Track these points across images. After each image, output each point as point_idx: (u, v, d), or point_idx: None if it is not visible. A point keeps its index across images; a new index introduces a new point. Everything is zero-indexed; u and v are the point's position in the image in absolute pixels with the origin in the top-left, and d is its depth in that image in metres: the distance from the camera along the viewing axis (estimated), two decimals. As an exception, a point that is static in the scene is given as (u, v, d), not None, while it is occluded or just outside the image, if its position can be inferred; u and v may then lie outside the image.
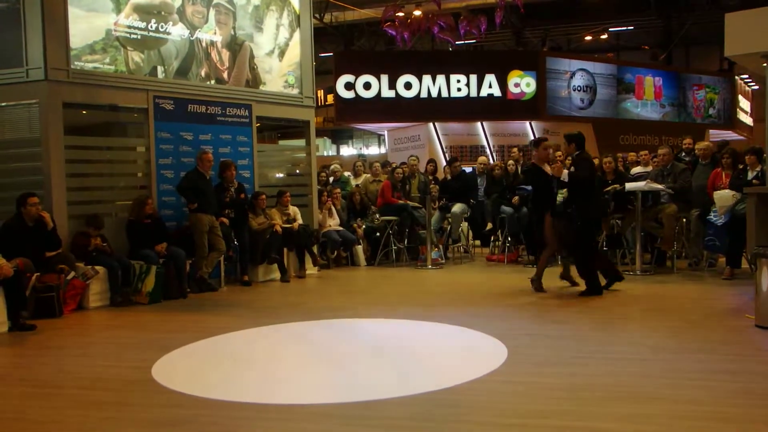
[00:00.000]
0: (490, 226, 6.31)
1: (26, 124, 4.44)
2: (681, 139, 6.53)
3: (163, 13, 4.93)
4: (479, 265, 6.08)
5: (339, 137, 20.52)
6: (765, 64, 4.60)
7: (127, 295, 4.28)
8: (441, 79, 9.32)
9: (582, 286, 4.21)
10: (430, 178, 6.65)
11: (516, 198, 5.87)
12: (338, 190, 6.26)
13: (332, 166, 7.09)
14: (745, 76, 12.51)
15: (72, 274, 4.01)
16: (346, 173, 7.10)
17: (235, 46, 5.48)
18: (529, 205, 5.74)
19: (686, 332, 3.14)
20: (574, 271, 4.35)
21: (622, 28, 15.37)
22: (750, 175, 4.67)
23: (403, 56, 10.32)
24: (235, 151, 5.46)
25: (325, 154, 18.92)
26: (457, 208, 6.12)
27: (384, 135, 11.86)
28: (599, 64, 10.34)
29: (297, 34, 5.96)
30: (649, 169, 5.63)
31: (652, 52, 15.69)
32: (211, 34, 5.30)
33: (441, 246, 6.18)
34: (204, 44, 5.24)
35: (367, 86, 9.26)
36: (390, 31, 8.72)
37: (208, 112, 5.26)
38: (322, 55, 12.90)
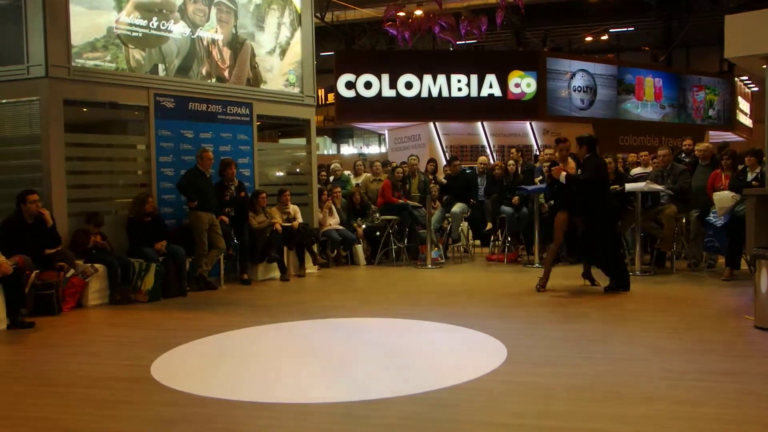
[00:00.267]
0: (490, 225, 6.31)
1: (27, 121, 4.44)
2: (681, 140, 6.55)
3: (164, 11, 4.93)
4: (479, 264, 6.08)
5: (339, 136, 20.52)
6: (765, 66, 4.61)
7: (126, 293, 4.27)
8: (442, 78, 9.31)
9: (602, 282, 4.30)
10: (430, 177, 6.66)
11: (516, 198, 5.88)
12: (338, 189, 6.26)
13: (332, 165, 7.09)
14: (745, 77, 12.52)
15: (71, 271, 4.01)
16: (347, 172, 7.10)
17: (236, 44, 5.47)
18: (529, 205, 5.77)
19: (685, 333, 3.14)
20: (595, 270, 4.40)
21: (623, 29, 15.38)
22: (749, 176, 4.68)
23: (404, 56, 10.32)
24: (236, 149, 5.45)
25: (326, 153, 18.92)
26: (457, 207, 6.12)
27: (384, 134, 11.86)
28: (599, 65, 10.33)
29: (298, 33, 5.95)
30: (649, 170, 5.64)
31: (653, 54, 15.71)
32: (212, 32, 5.30)
33: (441, 245, 6.18)
34: (205, 42, 5.24)
35: (367, 85, 9.25)
36: (391, 30, 8.73)
37: (209, 110, 5.26)
38: (323, 54, 12.88)
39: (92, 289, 4.16)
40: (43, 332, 3.46)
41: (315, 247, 5.59)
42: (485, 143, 9.77)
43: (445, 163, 7.95)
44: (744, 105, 13.05)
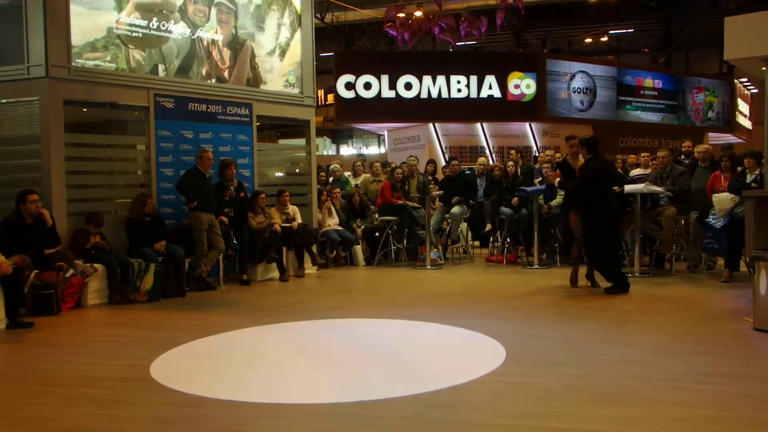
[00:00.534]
0: (489, 227, 6.32)
1: (27, 121, 4.44)
2: (680, 141, 6.56)
3: (164, 11, 4.93)
4: (478, 265, 6.08)
5: (339, 137, 20.53)
6: (764, 68, 4.62)
7: (125, 293, 4.27)
8: (441, 79, 9.32)
9: (603, 284, 4.31)
10: (429, 178, 6.66)
11: (515, 199, 5.88)
12: (338, 190, 6.26)
13: (332, 166, 7.09)
14: (744, 79, 12.53)
15: (70, 271, 4.00)
16: (347, 173, 7.10)
17: (236, 45, 5.48)
18: (528, 206, 5.78)
19: (684, 335, 3.14)
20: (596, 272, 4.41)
21: (623, 31, 15.40)
22: (749, 178, 4.68)
23: (403, 57, 10.33)
24: (235, 149, 5.46)
25: (325, 153, 18.92)
26: (457, 208, 6.13)
27: (384, 135, 11.86)
28: (599, 67, 10.34)
29: (298, 34, 5.96)
30: (649, 171, 5.64)
31: (652, 55, 15.73)
32: (212, 32, 5.30)
33: (440, 246, 6.19)
34: (205, 43, 5.24)
35: (367, 86, 9.25)
36: (391, 31, 8.73)
37: (209, 110, 5.26)
38: (323, 54, 12.90)
39: (91, 289, 4.15)
40: (42, 332, 3.46)
41: (314, 248, 5.60)
42: (485, 144, 9.78)
43: (444, 164, 7.95)
44: (743, 107, 13.06)
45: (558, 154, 6.58)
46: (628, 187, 5.03)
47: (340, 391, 2.40)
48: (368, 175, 6.91)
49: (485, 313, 3.75)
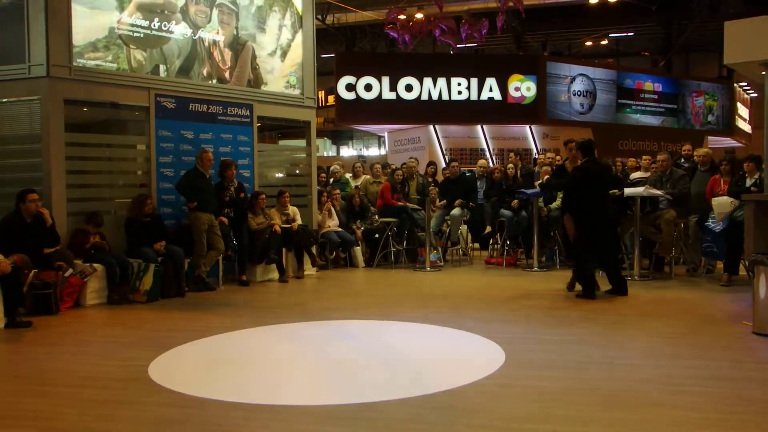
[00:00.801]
0: (489, 229, 6.32)
1: (27, 121, 4.44)
2: (680, 145, 6.56)
3: (166, 12, 4.94)
4: (478, 268, 6.08)
5: (339, 138, 20.54)
6: (764, 73, 4.63)
7: (124, 293, 4.27)
8: (442, 81, 9.34)
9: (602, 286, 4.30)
10: (430, 180, 6.66)
11: (515, 201, 5.88)
12: (338, 191, 6.27)
13: (332, 167, 7.09)
14: (744, 83, 12.57)
15: (70, 271, 4.00)
16: (347, 175, 7.10)
17: (237, 46, 5.49)
18: (528, 209, 5.78)
19: (684, 338, 3.14)
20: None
21: (623, 34, 15.44)
22: (748, 182, 4.68)
23: (404, 58, 10.34)
24: (236, 150, 5.46)
25: (325, 154, 18.94)
26: (457, 210, 6.13)
27: (384, 136, 11.87)
28: (599, 70, 10.37)
29: (299, 35, 5.97)
30: (649, 174, 5.65)
31: (652, 59, 15.76)
32: (213, 33, 5.31)
33: (440, 248, 6.18)
34: (206, 44, 5.25)
35: (368, 88, 9.27)
36: (391, 33, 8.74)
37: (210, 111, 5.27)
38: (324, 56, 12.91)
39: (90, 288, 4.15)
40: (40, 331, 3.45)
41: (314, 249, 5.59)
42: (485, 146, 9.79)
43: (444, 166, 7.95)
44: (743, 111, 13.09)
45: (558, 157, 6.58)
46: (627, 191, 5.03)
47: (339, 393, 2.40)
48: (368, 176, 6.91)
49: (484, 315, 3.75)
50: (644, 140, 10.56)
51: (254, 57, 5.62)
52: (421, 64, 9.60)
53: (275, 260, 5.23)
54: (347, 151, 20.45)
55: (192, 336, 3.26)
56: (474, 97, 9.40)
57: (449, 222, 6.20)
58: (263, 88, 5.69)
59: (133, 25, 4.75)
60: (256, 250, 5.16)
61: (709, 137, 11.67)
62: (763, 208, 4.00)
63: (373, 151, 19.31)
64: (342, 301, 4.45)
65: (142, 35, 4.80)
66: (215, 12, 5.31)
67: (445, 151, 9.63)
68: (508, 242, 6.01)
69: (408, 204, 6.16)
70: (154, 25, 4.87)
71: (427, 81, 9.32)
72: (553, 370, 2.62)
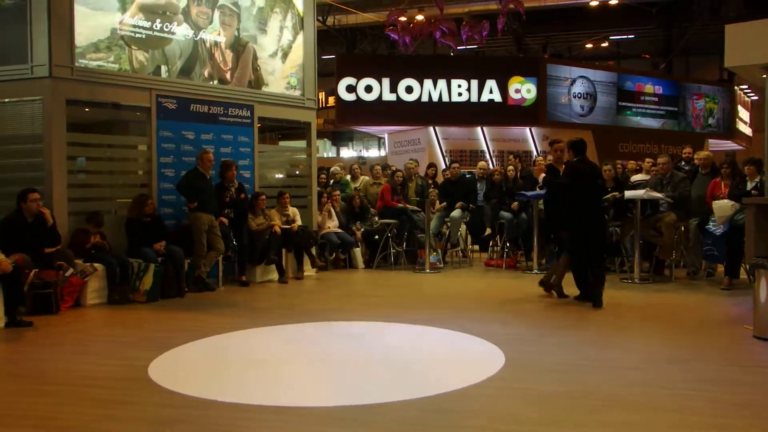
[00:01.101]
0: (488, 231, 6.32)
1: (29, 121, 4.44)
2: (680, 148, 6.56)
3: (168, 13, 4.95)
4: (478, 270, 6.08)
5: (339, 139, 20.56)
6: (765, 76, 4.63)
7: (124, 293, 4.27)
8: (442, 83, 9.35)
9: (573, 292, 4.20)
10: (430, 182, 6.66)
11: (515, 203, 5.88)
12: (338, 193, 6.27)
13: (332, 168, 7.10)
14: (745, 86, 12.58)
15: (70, 270, 4.00)
16: (348, 177, 7.11)
17: (238, 47, 5.50)
18: (528, 211, 5.76)
19: (684, 342, 3.14)
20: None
21: (623, 37, 15.46)
22: (749, 185, 4.68)
23: (404, 60, 10.36)
24: (236, 151, 5.47)
25: (325, 155, 18.96)
26: (457, 212, 6.13)
27: (384, 138, 11.88)
28: (600, 72, 10.38)
29: (300, 37, 5.98)
30: (649, 177, 5.65)
31: (653, 61, 15.78)
32: (215, 34, 5.32)
33: (440, 250, 6.18)
34: (208, 45, 5.26)
35: (368, 89, 9.28)
36: (392, 35, 8.75)
37: (211, 112, 5.28)
38: (324, 57, 12.94)
39: (91, 288, 4.15)
40: (41, 331, 3.46)
41: (313, 250, 5.59)
42: (485, 148, 9.80)
43: (444, 167, 7.95)
44: (744, 114, 13.09)
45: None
46: (628, 193, 5.03)
47: (338, 394, 2.40)
48: (366, 177, 6.90)
49: (484, 317, 3.75)
50: (644, 143, 10.56)
51: (255, 58, 5.63)
52: (421, 66, 9.61)
53: (275, 261, 5.23)
54: (347, 153, 20.47)
55: (192, 336, 3.26)
56: (474, 98, 9.40)
57: (449, 224, 6.20)
58: (264, 89, 5.70)
59: (135, 26, 4.76)
60: (256, 250, 5.17)
61: (710, 140, 11.68)
62: (763, 211, 4.00)
63: (373, 153, 19.33)
64: (341, 302, 4.45)
65: (143, 36, 4.82)
66: (217, 13, 5.32)
67: (445, 153, 9.64)
68: (507, 244, 6.01)
69: (408, 206, 6.16)
70: (156, 26, 4.88)
71: (428, 82, 9.33)
72: (552, 372, 2.62)
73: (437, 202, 6.24)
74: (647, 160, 6.17)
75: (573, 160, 4.12)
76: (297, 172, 6.33)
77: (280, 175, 6.37)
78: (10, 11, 4.40)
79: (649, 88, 10.78)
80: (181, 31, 5.06)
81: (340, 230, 6.01)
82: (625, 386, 2.45)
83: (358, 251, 6.15)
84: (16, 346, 3.20)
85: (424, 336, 3.35)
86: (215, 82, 5.35)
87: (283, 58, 5.88)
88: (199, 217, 4.72)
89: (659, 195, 4.99)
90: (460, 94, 9.39)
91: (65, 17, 4.32)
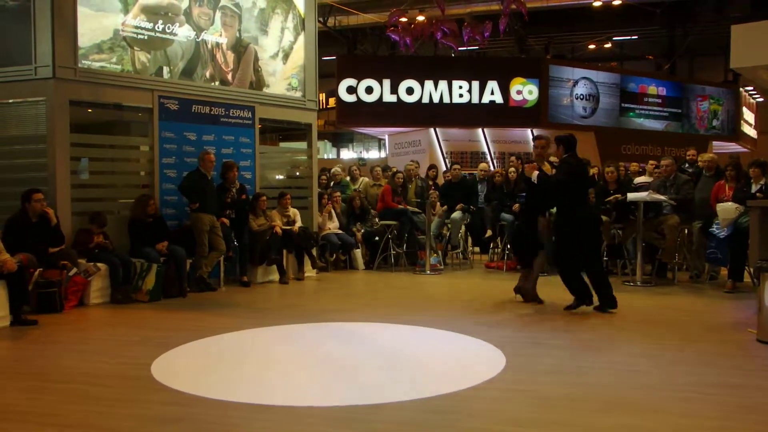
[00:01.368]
0: (489, 232, 6.31)
1: (33, 121, 4.47)
2: (684, 150, 6.53)
3: (170, 14, 4.97)
4: (478, 271, 6.07)
5: (340, 140, 20.57)
6: (770, 77, 4.60)
7: (127, 292, 4.29)
8: (443, 84, 9.34)
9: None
10: (431, 183, 6.66)
11: (516, 205, 5.87)
12: (338, 194, 6.28)
13: (333, 169, 7.10)
14: (750, 88, 12.50)
15: (74, 270, 4.03)
16: (347, 178, 7.12)
17: (240, 48, 5.52)
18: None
19: (687, 345, 3.13)
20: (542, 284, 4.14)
21: (626, 38, 15.41)
22: (753, 188, 4.65)
23: (405, 61, 10.36)
24: (238, 152, 5.48)
25: (326, 157, 18.97)
26: (457, 214, 6.13)
27: (385, 139, 11.88)
28: (602, 73, 10.34)
29: (301, 38, 5.99)
30: (652, 179, 5.62)
31: (656, 62, 15.72)
32: (216, 35, 5.34)
33: (440, 252, 6.17)
34: (209, 46, 5.28)
35: (368, 90, 9.28)
36: (393, 36, 8.75)
37: (212, 113, 5.29)
38: (325, 58, 12.94)
39: (94, 287, 4.17)
40: (44, 329, 3.47)
41: (314, 251, 5.60)
42: (486, 150, 9.78)
43: (445, 169, 7.94)
44: (749, 115, 13.00)
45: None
46: (631, 195, 5.01)
47: (338, 395, 2.40)
48: (366, 178, 6.91)
49: (485, 319, 3.74)
50: (647, 145, 10.52)
51: (256, 59, 5.65)
52: (422, 67, 9.60)
53: (276, 261, 5.24)
54: (347, 154, 20.48)
55: (194, 336, 3.27)
56: (475, 100, 9.39)
57: (449, 225, 6.19)
58: (265, 90, 5.71)
59: (137, 27, 4.78)
60: (257, 251, 5.18)
61: (714, 142, 11.62)
62: None
63: (373, 154, 19.33)
64: (342, 303, 4.45)
65: (146, 37, 4.84)
66: (218, 14, 5.34)
67: (445, 154, 9.63)
68: (508, 246, 6.00)
69: (408, 207, 6.16)
70: (158, 28, 4.90)
71: (428, 84, 9.33)
72: (553, 374, 2.61)
73: (438, 204, 6.23)
74: (650, 162, 6.15)
75: (564, 156, 3.87)
76: (297, 174, 6.34)
77: (281, 176, 6.38)
78: (14, 13, 4.43)
79: (652, 89, 10.74)
80: (183, 33, 5.08)
81: (340, 231, 6.01)
82: (627, 389, 2.44)
83: (358, 252, 6.15)
84: (20, 344, 3.22)
85: (424, 337, 3.35)
86: (217, 83, 5.36)
87: (284, 59, 5.89)
88: (201, 217, 4.73)
89: (662, 197, 4.97)
90: (461, 96, 9.38)
91: (68, 18, 4.34)
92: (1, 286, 3.49)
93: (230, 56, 5.45)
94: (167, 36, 4.97)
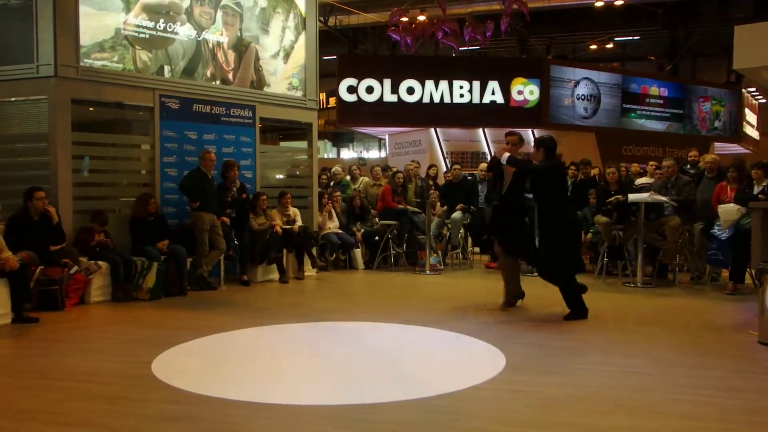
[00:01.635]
0: (490, 233, 6.31)
1: (35, 120, 4.48)
2: (686, 151, 6.53)
3: (171, 13, 4.98)
4: (478, 272, 6.07)
5: (340, 140, 20.57)
6: (773, 78, 4.59)
7: (128, 290, 4.30)
8: (444, 84, 9.33)
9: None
10: (431, 183, 6.66)
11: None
12: (338, 193, 6.28)
13: (333, 169, 7.11)
14: (752, 89, 12.47)
15: (75, 268, 4.03)
16: (347, 177, 7.12)
17: (241, 47, 5.52)
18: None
19: (687, 347, 3.12)
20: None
21: (628, 38, 15.38)
22: (756, 189, 4.63)
23: (406, 61, 10.35)
24: (238, 151, 5.49)
25: (326, 156, 18.98)
26: (457, 214, 6.13)
27: (385, 139, 11.88)
28: (604, 74, 10.32)
29: (302, 37, 6.00)
30: (654, 180, 5.61)
31: (658, 63, 15.69)
32: (217, 35, 5.34)
33: (440, 252, 6.18)
34: (210, 45, 5.28)
35: (369, 90, 9.27)
36: (394, 35, 8.75)
37: (213, 112, 5.30)
38: (326, 57, 12.94)
39: (95, 286, 4.18)
40: (46, 327, 3.48)
41: (314, 250, 5.61)
42: (486, 150, 9.78)
43: (445, 169, 7.94)
44: (751, 117, 12.96)
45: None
46: (632, 196, 5.00)
47: (338, 394, 2.40)
48: (366, 178, 6.91)
49: (485, 319, 3.74)
50: (649, 145, 10.50)
51: (257, 58, 5.65)
52: (423, 67, 9.59)
53: (276, 261, 5.25)
54: (348, 153, 20.48)
55: (194, 334, 3.28)
56: (476, 100, 9.38)
57: (449, 225, 6.19)
58: (266, 89, 5.71)
59: (138, 26, 4.78)
60: (257, 250, 5.18)
61: (716, 143, 11.59)
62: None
63: (373, 154, 19.32)
64: (342, 302, 4.45)
65: (147, 36, 4.84)
66: (219, 13, 5.34)
67: (446, 155, 9.63)
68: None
69: (408, 207, 6.16)
70: (160, 26, 4.91)
71: (429, 83, 9.32)
72: (553, 375, 2.61)
73: (438, 204, 6.23)
74: (651, 163, 6.14)
75: (542, 160, 3.70)
76: (298, 173, 6.34)
77: (281, 176, 6.38)
78: (16, 11, 4.44)
79: (654, 90, 10.72)
80: (184, 32, 5.08)
81: (340, 231, 6.01)
82: (627, 390, 2.43)
83: (358, 252, 6.15)
84: (21, 342, 3.23)
85: (424, 337, 3.35)
86: (218, 82, 5.37)
87: (285, 58, 5.89)
88: (201, 216, 4.74)
89: (663, 198, 4.96)
90: (461, 96, 9.36)
91: (70, 17, 4.35)
92: (2, 283, 3.50)
93: (231, 55, 5.46)
94: (168, 35, 4.98)
